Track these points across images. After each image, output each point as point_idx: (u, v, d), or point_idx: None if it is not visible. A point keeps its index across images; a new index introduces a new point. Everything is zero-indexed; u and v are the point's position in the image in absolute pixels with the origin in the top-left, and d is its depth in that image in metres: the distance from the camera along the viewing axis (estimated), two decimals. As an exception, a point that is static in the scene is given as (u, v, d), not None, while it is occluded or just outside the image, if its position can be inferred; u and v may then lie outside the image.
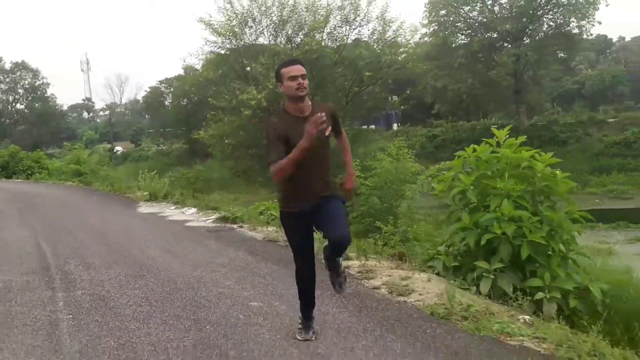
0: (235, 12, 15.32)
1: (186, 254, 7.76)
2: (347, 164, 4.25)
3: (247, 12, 15.51)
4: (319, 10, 15.20)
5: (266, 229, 9.30)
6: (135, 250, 8.13)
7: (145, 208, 13.32)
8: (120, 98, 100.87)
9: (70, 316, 5.15)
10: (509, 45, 45.44)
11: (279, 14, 15.35)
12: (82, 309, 5.35)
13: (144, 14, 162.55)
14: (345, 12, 15.76)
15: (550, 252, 5.94)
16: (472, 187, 6.36)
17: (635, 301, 6.28)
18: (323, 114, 3.59)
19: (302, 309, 4.33)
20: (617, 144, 42.49)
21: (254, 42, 15.42)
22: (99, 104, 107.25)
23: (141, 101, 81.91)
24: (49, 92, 75.58)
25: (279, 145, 3.69)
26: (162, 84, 64.32)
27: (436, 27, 46.67)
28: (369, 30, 16.14)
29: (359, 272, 6.26)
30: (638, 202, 36.21)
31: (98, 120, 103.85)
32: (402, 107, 25.51)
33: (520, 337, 4.34)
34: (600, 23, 46.42)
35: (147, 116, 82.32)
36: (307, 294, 4.27)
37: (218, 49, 16.20)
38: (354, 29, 16.14)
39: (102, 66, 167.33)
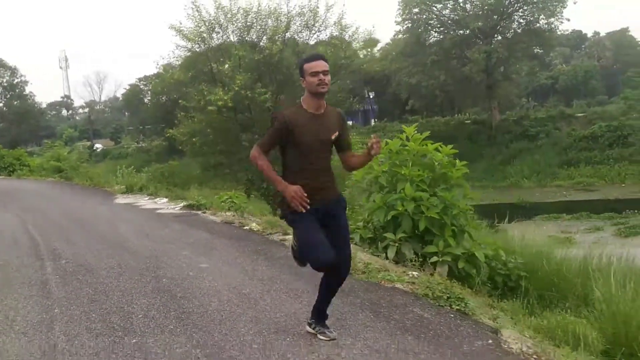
0: (203, 20, 16.89)
1: (153, 233, 9.28)
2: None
3: (214, 19, 17.05)
4: (281, 17, 16.79)
5: (225, 213, 10.83)
6: (111, 232, 9.63)
7: (121, 199, 14.81)
8: (100, 96, 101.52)
9: (57, 277, 6.63)
10: (481, 42, 47.12)
11: (244, 20, 16.86)
12: (66, 272, 6.83)
13: (122, 11, 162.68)
14: (305, 18, 17.36)
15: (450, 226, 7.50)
16: (385, 174, 7.93)
17: (547, 273, 7.98)
18: (304, 197, 3.71)
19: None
20: (585, 137, 44.42)
21: (222, 43, 16.91)
22: (78, 102, 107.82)
23: (121, 99, 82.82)
24: (28, 90, 76.09)
25: (275, 138, 3.82)
26: (141, 82, 65.42)
27: (410, 25, 48.31)
28: (327, 35, 17.67)
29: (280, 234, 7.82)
30: (602, 193, 38.19)
31: (77, 117, 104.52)
32: (358, 106, 26.84)
33: (396, 282, 5.91)
34: (569, 20, 48.65)
35: (126, 114, 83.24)
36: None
37: (188, 52, 17.82)
38: (314, 33, 17.68)
39: (81, 64, 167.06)
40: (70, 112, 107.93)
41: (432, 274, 6.76)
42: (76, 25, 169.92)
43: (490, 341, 4.37)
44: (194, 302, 5.32)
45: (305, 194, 3.73)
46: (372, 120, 61.30)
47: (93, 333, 4.63)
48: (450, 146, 8.12)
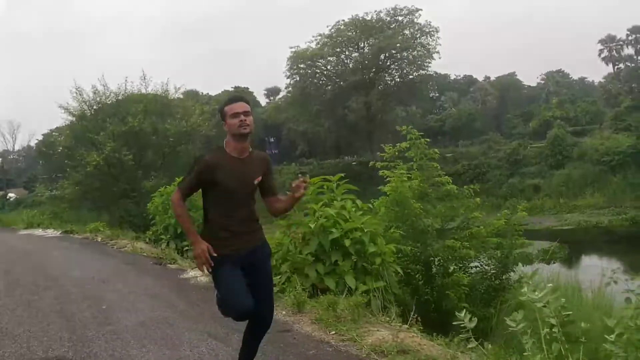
0: (84, 101, 23.94)
1: (37, 244, 16.34)
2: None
3: (92, 100, 24.04)
4: (142, 100, 23.86)
5: (87, 234, 17.88)
6: (11, 245, 16.63)
7: (23, 232, 21.74)
8: (13, 145, 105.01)
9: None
10: (361, 94, 55.65)
11: (114, 102, 24.03)
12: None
13: (34, 59, 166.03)
14: (159, 99, 24.57)
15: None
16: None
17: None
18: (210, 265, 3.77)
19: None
20: (451, 175, 52.80)
21: (99, 118, 23.82)
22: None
23: (34, 148, 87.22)
24: (-63, 139, 79.64)
25: (196, 181, 3.83)
26: (54, 132, 70.79)
27: (297, 78, 56.66)
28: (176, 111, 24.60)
29: (108, 240, 15.03)
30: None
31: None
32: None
33: (144, 252, 13.10)
34: (436, 73, 58.29)
35: (41, 162, 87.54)
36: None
37: (74, 124, 24.95)
38: (167, 109, 24.73)
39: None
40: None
41: (181, 254, 13.96)
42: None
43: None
44: (46, 264, 12.38)
45: (227, 240, 3.80)
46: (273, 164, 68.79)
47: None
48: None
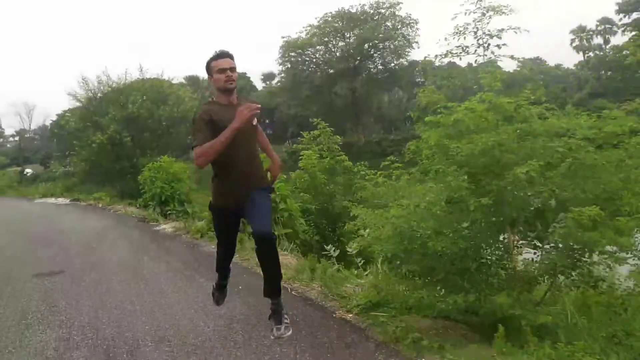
0: (89, 89, 26.58)
1: (49, 209, 19.02)
2: (269, 152, 4.55)
3: (97, 89, 26.69)
4: (140, 88, 26.38)
5: (92, 202, 20.55)
6: (28, 210, 19.32)
7: (38, 200, 24.46)
8: (29, 124, 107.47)
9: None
10: (347, 80, 57.92)
11: (117, 88, 26.54)
12: (3, 222, 16.40)
13: (50, 43, 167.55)
14: (155, 87, 27.11)
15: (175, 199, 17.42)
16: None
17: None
18: (258, 105, 3.84)
19: (217, 280, 4.93)
20: (426, 154, 55.69)
21: (103, 103, 26.40)
22: (8, 131, 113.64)
23: (49, 128, 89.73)
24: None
25: (206, 129, 3.77)
26: (66, 114, 73.25)
27: (289, 66, 58.98)
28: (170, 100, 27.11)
29: (107, 206, 17.71)
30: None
31: (8, 145, 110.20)
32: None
33: (133, 214, 15.78)
34: (417, 60, 60.33)
35: (54, 141, 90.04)
36: (224, 268, 4.82)
37: (82, 109, 27.50)
38: (163, 96, 27.20)
39: (9, 94, 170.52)
40: (1, 140, 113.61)
41: (165, 217, 16.64)
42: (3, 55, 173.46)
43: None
44: (57, 223, 15.04)
45: (236, 190, 4.03)
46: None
47: (8, 225, 14.29)
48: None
